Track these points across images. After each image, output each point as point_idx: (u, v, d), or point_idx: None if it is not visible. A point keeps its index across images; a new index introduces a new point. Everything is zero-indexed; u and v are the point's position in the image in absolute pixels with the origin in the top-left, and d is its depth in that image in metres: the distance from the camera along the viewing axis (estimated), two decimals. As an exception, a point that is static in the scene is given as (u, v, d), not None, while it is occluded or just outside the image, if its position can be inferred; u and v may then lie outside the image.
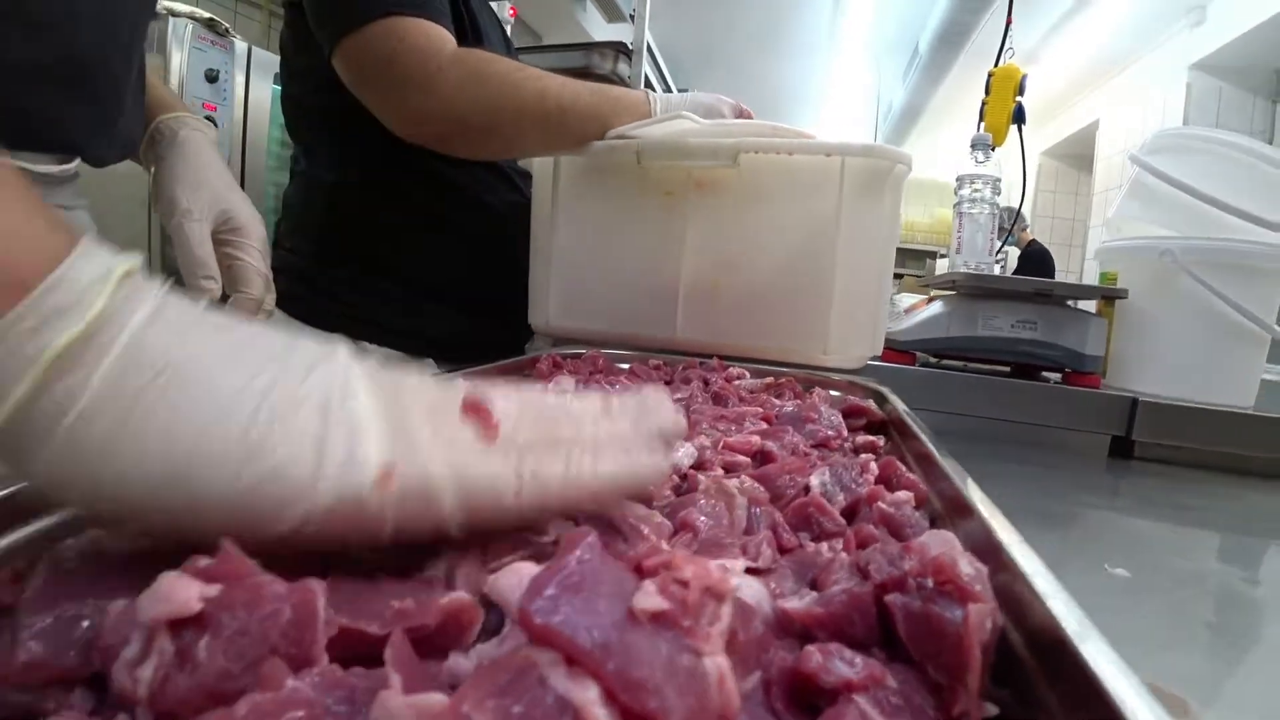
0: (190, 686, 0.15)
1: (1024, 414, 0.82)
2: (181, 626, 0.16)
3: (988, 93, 1.41)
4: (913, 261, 5.76)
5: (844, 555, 0.24)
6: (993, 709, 0.18)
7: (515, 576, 0.18)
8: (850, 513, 0.32)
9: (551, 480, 0.23)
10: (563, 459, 0.23)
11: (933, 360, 0.92)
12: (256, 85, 2.02)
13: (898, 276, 5.47)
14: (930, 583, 0.19)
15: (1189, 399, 0.79)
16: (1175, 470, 0.76)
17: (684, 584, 0.16)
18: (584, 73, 1.38)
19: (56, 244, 0.18)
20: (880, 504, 0.30)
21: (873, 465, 0.34)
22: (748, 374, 0.62)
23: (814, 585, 0.24)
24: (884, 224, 0.71)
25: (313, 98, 0.75)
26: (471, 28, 0.76)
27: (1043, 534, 0.54)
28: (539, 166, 0.78)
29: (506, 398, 0.24)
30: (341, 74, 0.65)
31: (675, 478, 0.34)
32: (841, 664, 0.18)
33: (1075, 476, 0.74)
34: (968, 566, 0.19)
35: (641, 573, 0.19)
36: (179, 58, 1.79)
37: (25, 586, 0.18)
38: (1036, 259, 3.82)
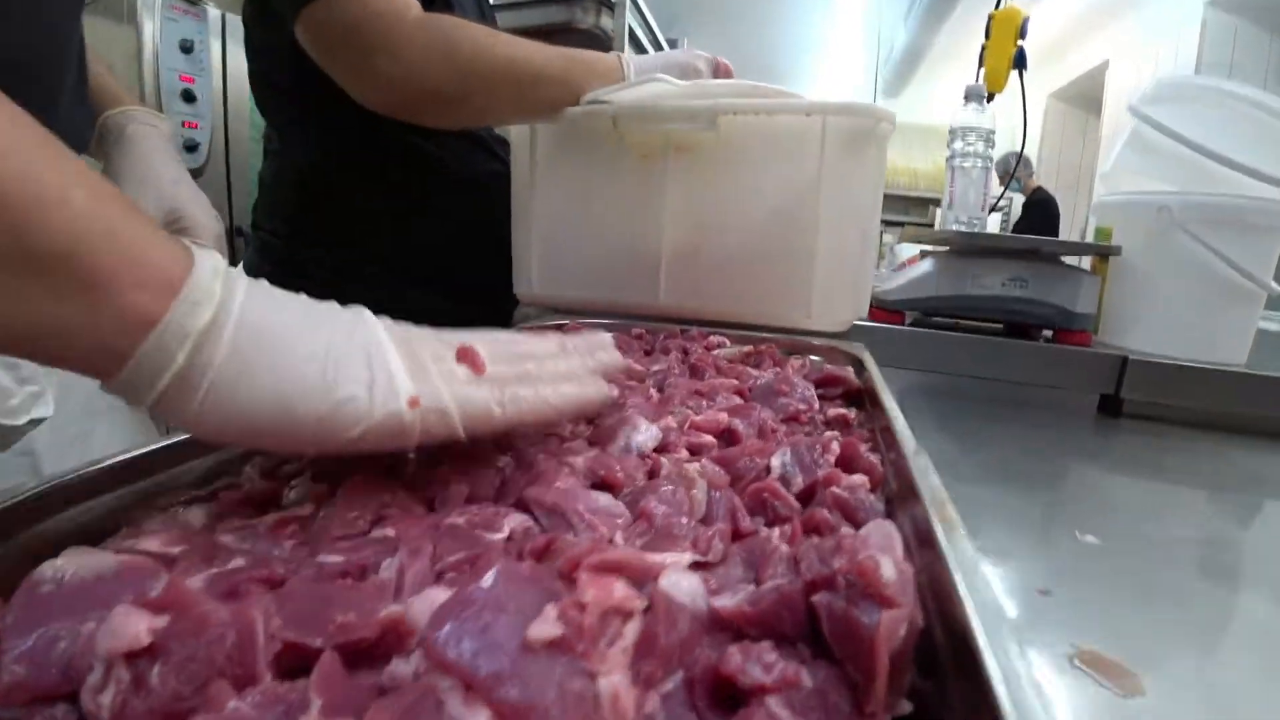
0: (146, 710, 0.17)
1: (1013, 372, 0.82)
2: (135, 656, 0.18)
3: (988, 36, 1.36)
4: (916, 209, 5.67)
5: (784, 547, 0.24)
6: (907, 706, 0.18)
7: (426, 603, 0.18)
8: (808, 494, 0.31)
9: (523, 403, 0.30)
10: (530, 387, 0.31)
11: (923, 317, 0.91)
12: (235, 53, 1.96)
13: (899, 225, 5.42)
14: (856, 582, 0.19)
15: (1182, 356, 0.78)
16: (1162, 428, 0.76)
17: (582, 608, 0.16)
18: (566, 27, 1.33)
19: (179, 250, 0.25)
20: (834, 488, 0.29)
21: (835, 445, 0.33)
22: (728, 341, 0.62)
23: (756, 579, 0.24)
24: (868, 184, 0.69)
25: (279, 74, 0.73)
26: None
27: (1021, 496, 0.54)
28: (516, 135, 0.76)
29: (487, 343, 0.31)
30: (305, 46, 0.63)
31: (643, 461, 0.34)
32: (758, 667, 0.19)
33: (1061, 436, 0.73)
34: (890, 570, 0.19)
35: (564, 578, 0.20)
36: (150, 29, 1.74)
37: (5, 610, 0.20)
38: (1041, 207, 3.76)
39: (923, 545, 0.24)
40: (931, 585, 0.21)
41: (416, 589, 0.23)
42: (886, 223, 5.44)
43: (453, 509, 0.28)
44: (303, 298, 0.29)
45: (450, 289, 0.82)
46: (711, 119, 0.66)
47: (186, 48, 1.83)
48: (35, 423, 0.47)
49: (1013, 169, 3.14)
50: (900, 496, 0.31)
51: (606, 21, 1.37)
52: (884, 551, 0.22)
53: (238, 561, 0.24)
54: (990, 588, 0.19)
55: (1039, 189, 3.85)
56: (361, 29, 0.60)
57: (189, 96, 1.85)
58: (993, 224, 2.11)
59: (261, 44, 0.74)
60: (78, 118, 0.51)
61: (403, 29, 0.60)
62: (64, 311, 0.22)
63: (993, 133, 0.95)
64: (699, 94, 0.68)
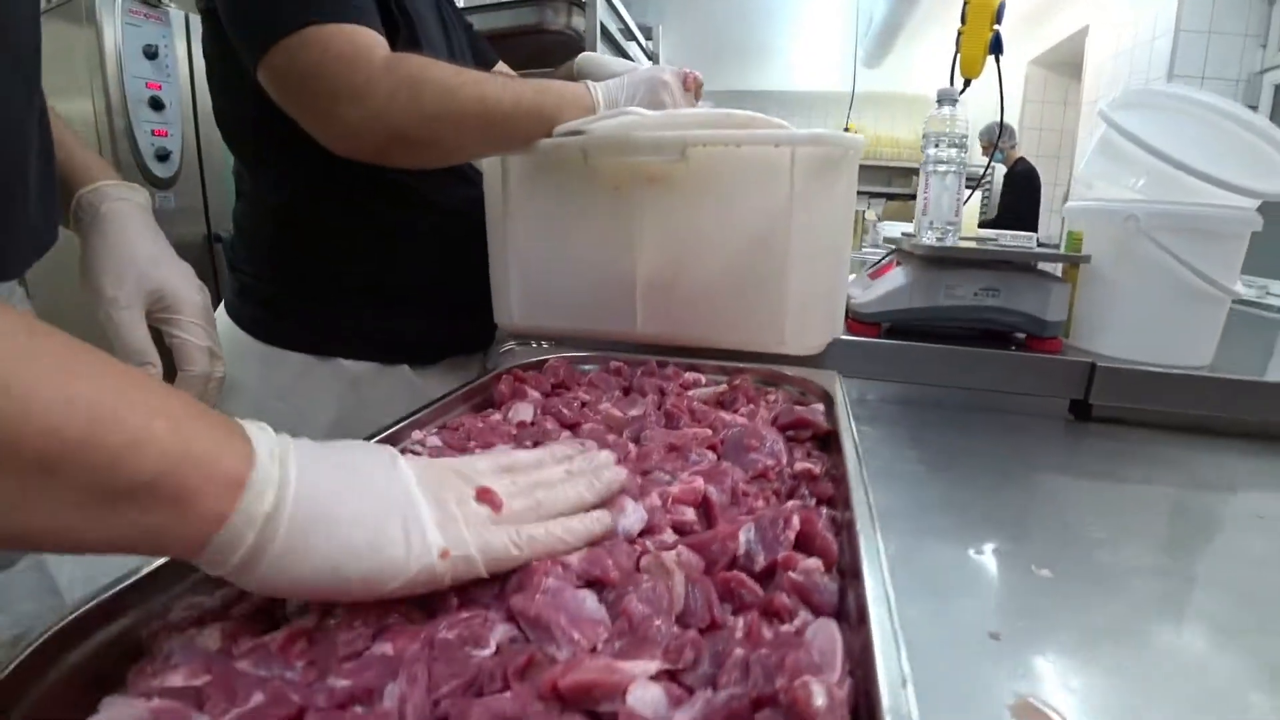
0: None
1: (986, 380, 0.84)
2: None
3: (963, 21, 1.36)
4: (899, 179, 5.68)
5: (739, 652, 0.27)
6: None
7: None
8: (770, 570, 0.34)
9: (538, 543, 0.34)
10: (543, 526, 0.35)
11: (899, 328, 0.93)
12: (201, 55, 1.92)
13: (890, 198, 5.42)
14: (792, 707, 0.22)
15: (1149, 361, 0.81)
16: (1130, 431, 0.79)
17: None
18: (537, 29, 1.31)
19: (242, 444, 0.29)
20: (791, 573, 0.32)
21: (795, 520, 0.35)
22: (703, 379, 0.63)
23: (715, 683, 0.27)
24: (838, 209, 0.70)
25: (244, 110, 0.72)
26: (403, 16, 0.71)
27: (984, 527, 0.56)
28: (488, 166, 0.76)
29: (503, 476, 0.37)
30: (269, 92, 0.63)
31: (631, 547, 0.36)
32: None
33: (1031, 443, 0.76)
34: (820, 699, 0.22)
35: (543, 699, 0.25)
36: (111, 34, 1.70)
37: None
38: (1023, 179, 3.76)
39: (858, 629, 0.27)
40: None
41: (418, 715, 0.25)
42: (871, 195, 5.42)
43: (445, 619, 0.30)
44: (342, 454, 0.33)
45: (433, 314, 0.82)
46: (681, 150, 0.67)
47: (151, 53, 1.79)
48: None
49: (996, 139, 3.13)
50: (851, 574, 0.33)
51: (578, 21, 1.36)
52: (821, 668, 0.25)
53: (258, 697, 0.26)
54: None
55: (1021, 160, 3.85)
56: (323, 75, 0.59)
57: (156, 104, 1.82)
58: (974, 205, 2.12)
59: (225, 82, 0.73)
60: (46, 206, 0.50)
61: (366, 75, 0.60)
62: (151, 522, 0.26)
63: (965, 137, 0.96)
64: (669, 124, 0.68)
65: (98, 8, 1.68)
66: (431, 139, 0.64)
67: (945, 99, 0.99)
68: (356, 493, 0.31)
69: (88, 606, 0.30)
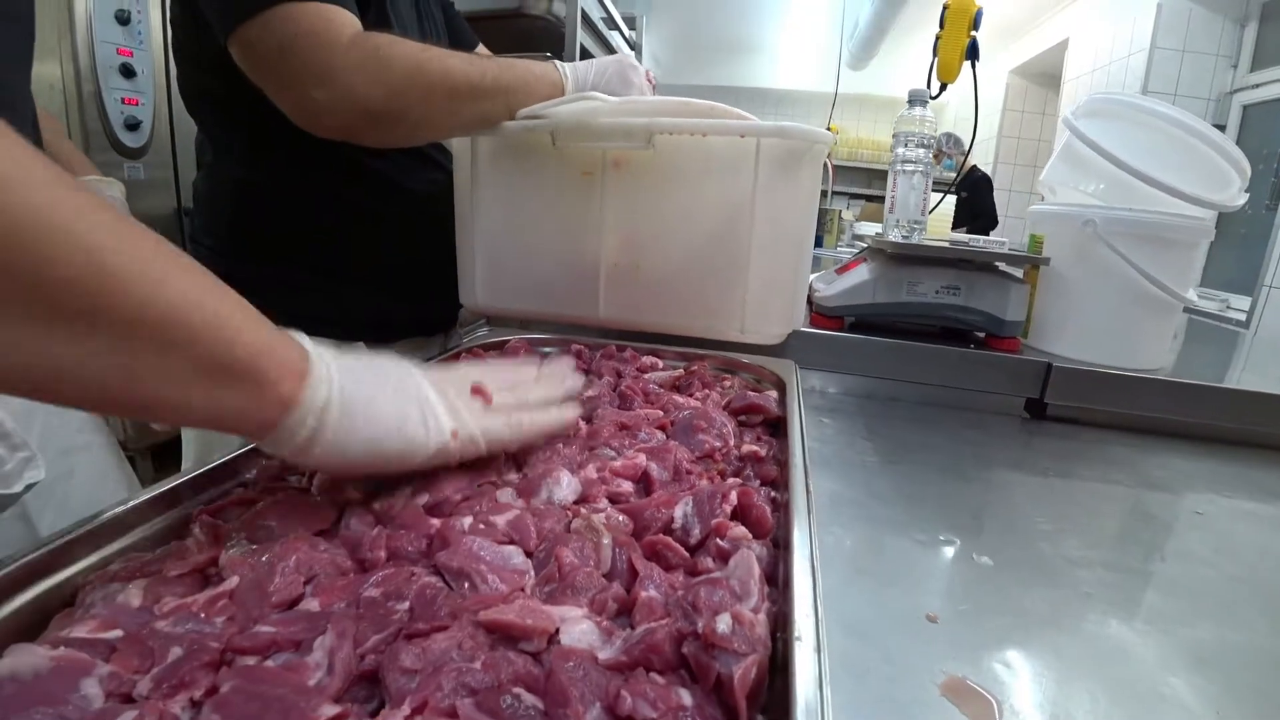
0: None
1: (945, 377, 0.85)
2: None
3: (941, 26, 1.38)
4: (878, 181, 5.73)
5: (656, 595, 0.29)
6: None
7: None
8: (704, 542, 0.35)
9: (524, 426, 0.42)
10: (528, 413, 0.43)
11: (861, 323, 0.94)
12: (176, 22, 1.88)
13: (869, 199, 5.47)
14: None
15: (1103, 363, 0.83)
16: (1082, 431, 0.81)
17: None
18: (517, 13, 1.31)
19: (296, 345, 0.35)
20: (719, 540, 0.33)
21: (733, 495, 0.36)
22: (660, 363, 0.64)
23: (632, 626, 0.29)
24: (801, 202, 0.71)
25: (211, 82, 0.71)
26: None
27: (931, 517, 0.57)
28: (457, 147, 0.76)
29: (490, 376, 0.43)
30: (239, 63, 0.62)
31: (564, 513, 0.36)
32: (646, 704, 0.24)
33: (985, 439, 0.77)
34: (725, 626, 0.24)
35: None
36: (82, 0, 1.65)
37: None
38: (983, 183, 3.82)
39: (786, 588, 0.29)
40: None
41: (345, 676, 0.26)
42: (850, 195, 5.47)
43: (373, 574, 0.31)
44: (368, 360, 0.39)
45: (396, 294, 0.82)
46: (648, 138, 0.67)
47: (123, 18, 1.74)
48: (29, 488, 0.48)
49: (942, 148, 3.16)
50: (784, 546, 0.34)
51: (559, 7, 1.35)
52: (740, 597, 0.26)
53: (176, 651, 0.26)
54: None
55: (974, 168, 3.91)
56: (295, 50, 0.59)
57: (128, 71, 1.77)
58: (949, 205, 2.15)
59: (191, 51, 0.71)
60: None
61: (335, 50, 0.59)
62: (238, 402, 0.31)
63: (933, 137, 0.98)
64: (631, 110, 0.69)
65: (67, -26, 1.64)
66: (398, 114, 0.64)
67: (916, 99, 1.01)
68: (384, 388, 0.37)
69: (29, 557, 0.30)
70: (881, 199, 5.37)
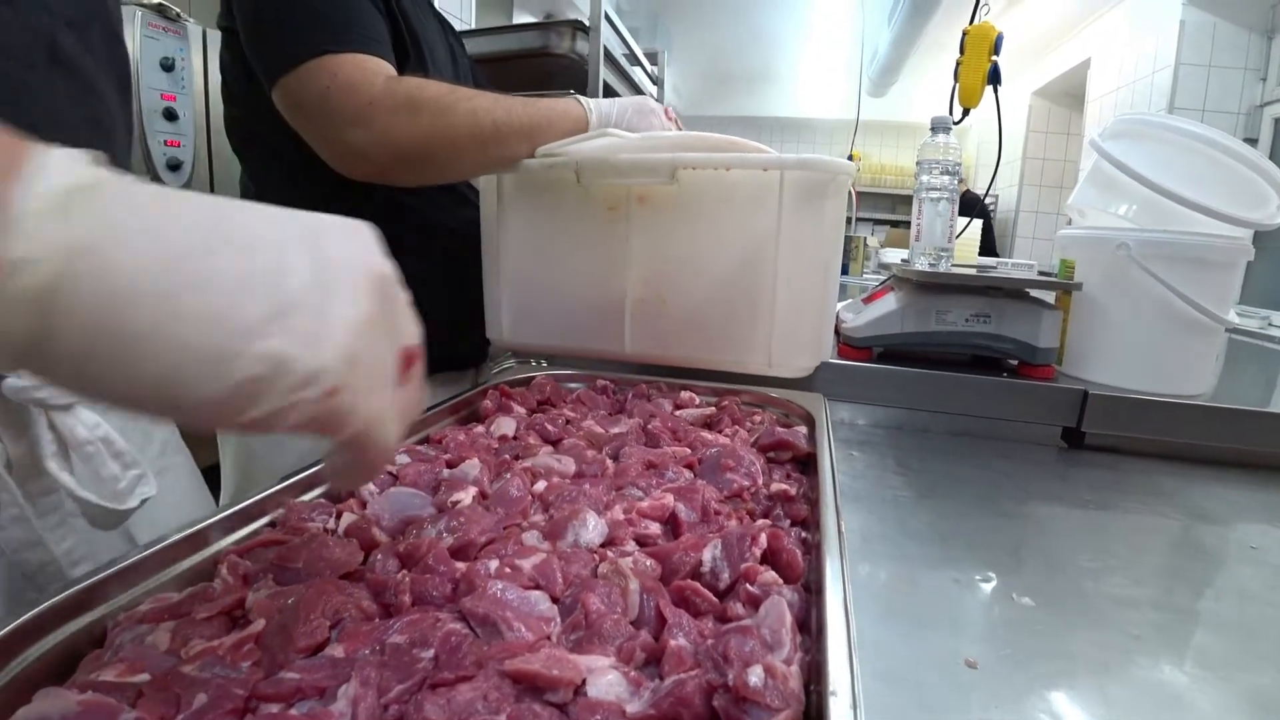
0: None
1: (977, 407, 0.83)
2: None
3: (962, 52, 1.38)
4: (902, 206, 5.70)
5: (685, 645, 0.28)
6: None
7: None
8: (733, 586, 0.34)
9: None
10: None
11: (890, 353, 0.93)
12: (216, 69, 1.96)
13: (893, 225, 5.44)
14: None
15: (1142, 389, 0.80)
16: (1122, 460, 0.78)
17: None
18: (541, 53, 1.34)
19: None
20: (749, 585, 0.32)
21: (762, 538, 0.35)
22: (697, 398, 0.64)
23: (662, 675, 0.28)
24: (826, 233, 0.70)
25: (253, 123, 0.74)
26: (413, 46, 0.74)
27: (966, 554, 0.55)
28: (484, 184, 0.77)
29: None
30: (282, 111, 0.65)
31: (591, 556, 0.36)
32: None
33: (1020, 471, 0.75)
34: (757, 679, 0.23)
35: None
36: (131, 49, 1.74)
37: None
38: (980, 207, 3.79)
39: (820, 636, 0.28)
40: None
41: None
42: (874, 221, 5.45)
43: (397, 620, 0.31)
44: (218, 205, 0.24)
45: (431, 329, 0.83)
46: (671, 172, 0.68)
47: (167, 65, 1.82)
48: (144, 503, 0.49)
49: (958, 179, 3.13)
50: (816, 590, 0.33)
51: (582, 46, 1.38)
52: (772, 647, 0.25)
53: (201, 698, 0.26)
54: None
55: (967, 192, 3.88)
56: (330, 100, 0.62)
57: (170, 115, 1.85)
58: (975, 230, 2.13)
59: (238, 92, 0.75)
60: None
61: (369, 98, 0.62)
62: None
63: (958, 164, 0.97)
64: (650, 146, 0.69)
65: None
66: (428, 156, 0.66)
67: (939, 127, 1.00)
68: (221, 248, 0.22)
69: (57, 598, 0.30)
70: (905, 224, 5.34)
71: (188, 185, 1.95)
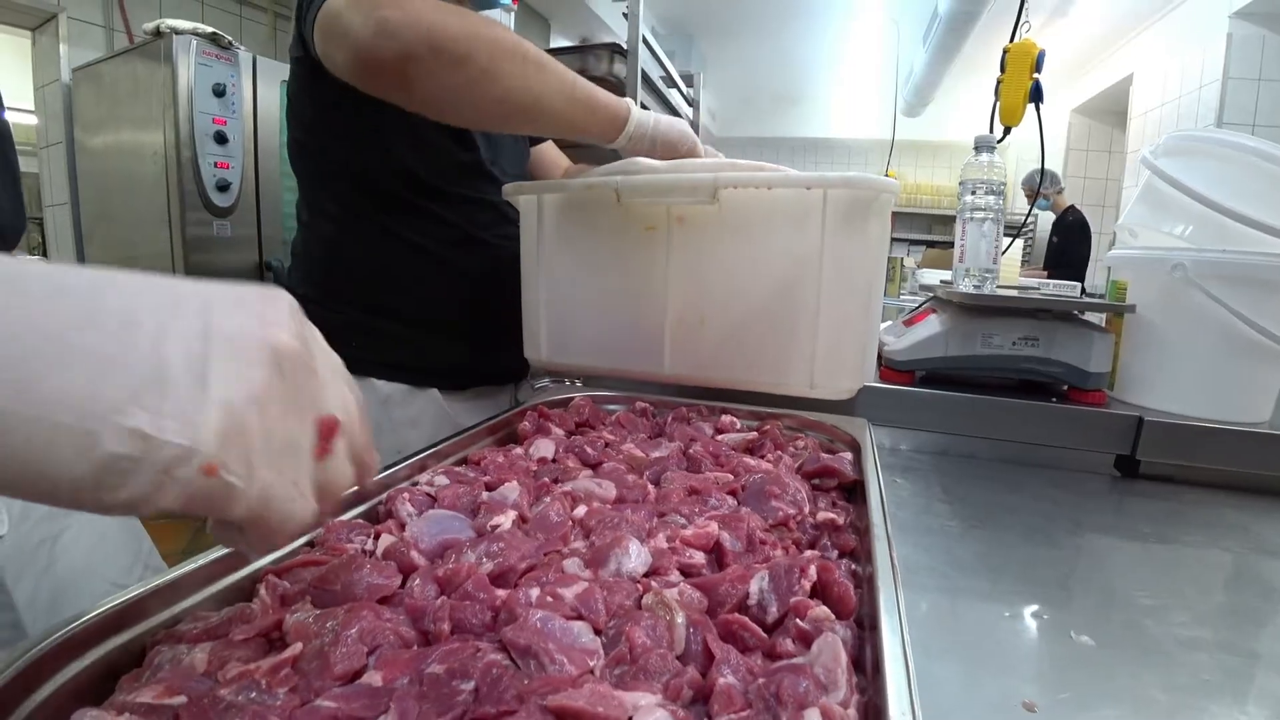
0: None
1: (1025, 433, 0.81)
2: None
3: (1003, 70, 1.36)
4: (938, 226, 5.63)
5: (735, 683, 0.27)
6: None
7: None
8: (782, 620, 0.32)
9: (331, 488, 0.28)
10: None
11: (934, 376, 0.90)
12: (265, 93, 2.03)
13: (929, 245, 5.37)
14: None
15: (1201, 416, 0.77)
16: (1180, 490, 0.75)
17: None
18: (580, 74, 1.35)
19: None
20: (799, 621, 0.30)
21: (812, 570, 0.34)
22: (738, 423, 0.62)
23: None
24: (870, 252, 0.69)
25: (314, 144, 0.77)
26: None
27: (1018, 588, 0.53)
28: (524, 203, 0.78)
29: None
30: (320, 46, 0.63)
31: (634, 585, 0.35)
32: None
33: (1072, 500, 0.72)
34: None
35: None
36: (185, 76, 1.82)
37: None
38: (1077, 228, 3.68)
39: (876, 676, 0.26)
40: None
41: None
42: (910, 242, 5.39)
43: (436, 649, 0.30)
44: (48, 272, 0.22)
45: (468, 345, 0.84)
46: (712, 192, 0.67)
47: (219, 91, 1.90)
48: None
49: (1038, 187, 3.09)
50: (871, 626, 0.31)
51: (619, 69, 1.40)
52: (827, 688, 0.24)
53: None
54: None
55: (1072, 208, 3.78)
56: None
57: (221, 138, 1.92)
58: (1015, 253, 2.07)
59: (300, 112, 0.77)
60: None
61: None
62: None
63: (1003, 184, 0.95)
64: (676, 170, 0.69)
65: (174, 49, 1.80)
66: (464, 56, 0.60)
67: (983, 146, 0.98)
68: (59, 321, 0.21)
69: (97, 614, 0.30)
70: (941, 244, 5.28)
71: (235, 204, 2.02)
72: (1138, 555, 0.61)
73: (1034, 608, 0.49)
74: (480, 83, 0.62)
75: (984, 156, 0.96)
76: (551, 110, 0.65)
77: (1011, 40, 1.41)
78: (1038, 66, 1.32)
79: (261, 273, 2.13)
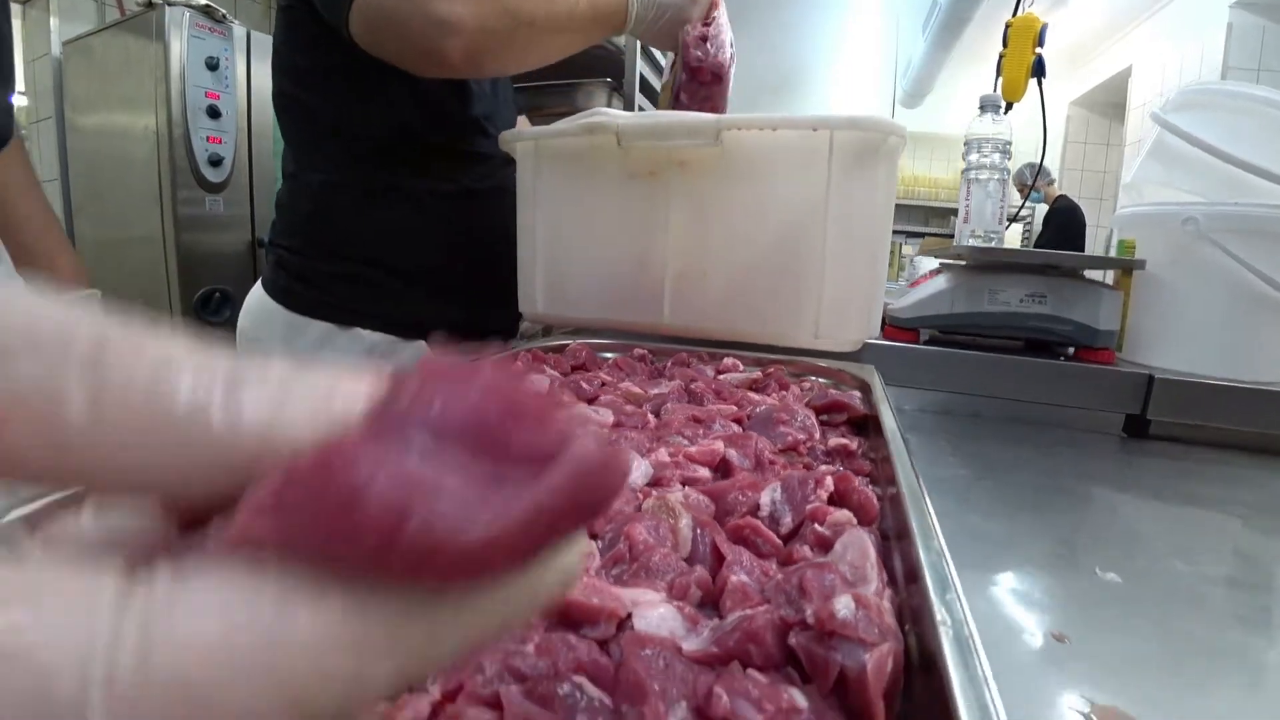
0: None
1: (1032, 392, 0.79)
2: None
3: (1005, 45, 1.34)
4: (936, 219, 5.61)
5: (748, 581, 0.24)
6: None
7: None
8: (797, 530, 0.30)
9: None
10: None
11: (939, 335, 0.89)
12: (259, 70, 2.00)
13: (920, 235, 5.36)
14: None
15: (1212, 375, 0.75)
16: (1192, 450, 0.73)
17: None
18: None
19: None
20: (818, 525, 0.28)
21: (829, 480, 0.32)
22: (740, 365, 0.60)
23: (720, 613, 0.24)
24: (878, 200, 0.67)
25: (301, 94, 0.75)
26: None
27: (1037, 528, 0.51)
28: (520, 151, 0.76)
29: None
30: (362, 35, 0.63)
31: (634, 495, 0.33)
32: (749, 706, 0.18)
33: (1082, 459, 0.70)
34: (846, 610, 0.19)
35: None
36: (177, 47, 1.79)
37: None
38: (1065, 215, 3.68)
39: (910, 582, 0.24)
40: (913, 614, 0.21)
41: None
42: (907, 234, 5.38)
43: None
44: None
45: (458, 299, 0.82)
46: (715, 134, 0.65)
47: (212, 65, 1.87)
48: None
49: (1030, 181, 3.07)
50: (897, 535, 0.29)
51: (618, 38, 1.37)
52: (855, 583, 0.22)
53: None
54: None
55: (1062, 197, 3.78)
56: None
57: (214, 112, 1.89)
58: (1014, 236, 2.06)
59: (290, 64, 0.76)
60: None
61: None
62: None
63: (1009, 143, 0.93)
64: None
65: (167, 21, 1.77)
66: (511, 27, 0.64)
67: (988, 105, 0.97)
68: None
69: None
70: (940, 235, 5.25)
71: (227, 180, 1.99)
72: (1155, 506, 0.59)
73: (1054, 547, 0.47)
74: (530, 43, 0.67)
75: (989, 115, 0.94)
76: (570, 31, 0.70)
77: (1014, 14, 1.39)
78: (1040, 41, 1.30)
79: (254, 251, 2.10)
